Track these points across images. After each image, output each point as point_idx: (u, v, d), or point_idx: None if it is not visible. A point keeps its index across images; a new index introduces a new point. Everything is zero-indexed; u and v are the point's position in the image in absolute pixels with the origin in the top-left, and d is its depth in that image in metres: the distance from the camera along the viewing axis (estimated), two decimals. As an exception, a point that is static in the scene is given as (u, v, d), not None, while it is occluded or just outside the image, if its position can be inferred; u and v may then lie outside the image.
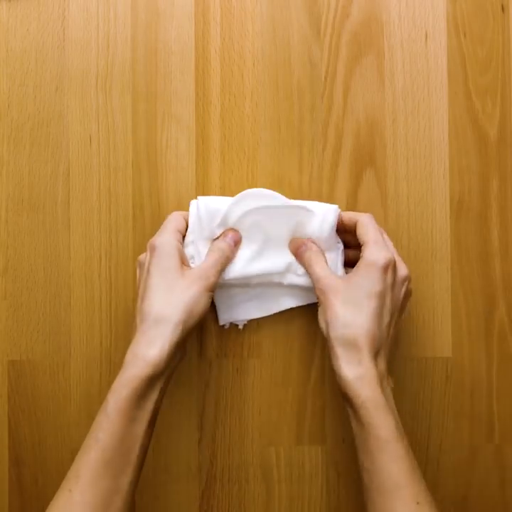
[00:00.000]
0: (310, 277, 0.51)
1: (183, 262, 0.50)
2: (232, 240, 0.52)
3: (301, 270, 0.52)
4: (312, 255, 0.51)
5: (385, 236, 0.51)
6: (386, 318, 0.48)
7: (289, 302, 0.55)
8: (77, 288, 0.55)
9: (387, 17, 0.56)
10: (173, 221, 0.52)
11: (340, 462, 0.56)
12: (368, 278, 0.48)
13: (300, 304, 0.55)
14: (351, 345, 0.46)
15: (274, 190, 0.56)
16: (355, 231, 0.51)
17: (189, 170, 0.56)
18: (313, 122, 0.56)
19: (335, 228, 0.52)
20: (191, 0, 0.56)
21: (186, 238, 0.52)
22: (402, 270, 0.50)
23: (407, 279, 0.50)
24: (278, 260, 0.52)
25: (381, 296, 0.47)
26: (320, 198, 0.56)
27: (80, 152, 0.55)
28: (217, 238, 0.52)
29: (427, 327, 0.56)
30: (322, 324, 0.49)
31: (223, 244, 0.51)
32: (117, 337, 0.55)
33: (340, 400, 0.55)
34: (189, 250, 0.52)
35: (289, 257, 0.53)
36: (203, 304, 0.48)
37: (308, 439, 0.56)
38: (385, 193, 0.56)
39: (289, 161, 0.56)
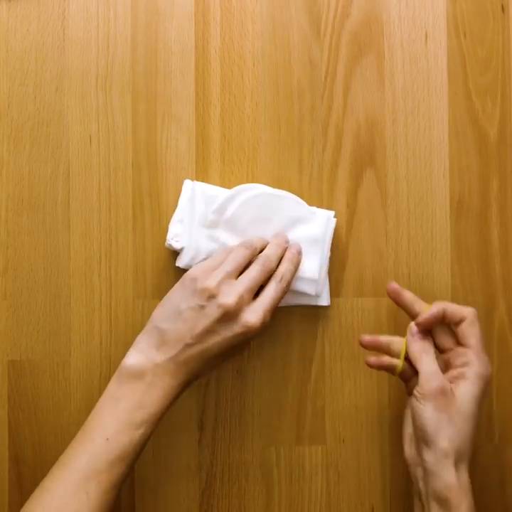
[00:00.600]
0: (419, 371, 0.47)
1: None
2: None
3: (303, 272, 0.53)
4: (424, 347, 0.48)
5: None
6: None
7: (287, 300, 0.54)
8: (77, 288, 0.55)
9: (387, 17, 0.56)
10: (242, 274, 0.49)
11: (340, 462, 0.56)
12: (478, 389, 0.46)
13: (298, 303, 0.54)
14: (459, 452, 0.45)
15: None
16: (450, 322, 0.49)
17: (189, 170, 0.56)
18: (313, 122, 0.56)
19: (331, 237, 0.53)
20: (191, 0, 0.55)
21: (174, 216, 0.53)
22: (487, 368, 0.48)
23: (489, 375, 0.49)
24: None
25: (482, 401, 0.47)
26: (320, 198, 0.56)
27: (80, 152, 0.55)
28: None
29: (427, 327, 0.56)
30: (430, 427, 0.46)
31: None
32: (117, 337, 0.55)
33: (341, 399, 0.55)
34: (175, 228, 0.53)
35: None
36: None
37: (308, 439, 0.56)
38: (385, 193, 0.56)
39: (289, 161, 0.56)
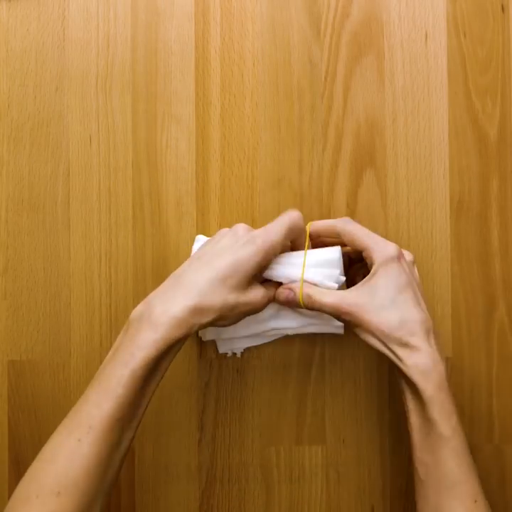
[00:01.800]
0: (324, 312, 0.48)
1: (256, 275, 0.48)
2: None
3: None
4: (307, 292, 0.48)
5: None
6: (422, 301, 0.47)
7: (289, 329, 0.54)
8: (77, 288, 0.55)
9: (387, 17, 0.56)
10: (291, 231, 0.49)
11: (340, 462, 0.56)
12: (389, 276, 0.47)
13: (299, 331, 0.54)
14: (411, 338, 0.46)
15: (274, 190, 0.56)
16: (333, 241, 0.50)
17: (189, 170, 0.56)
18: (313, 122, 0.56)
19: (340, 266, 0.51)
20: (191, 0, 0.56)
21: None
22: (408, 255, 0.50)
23: (414, 261, 0.50)
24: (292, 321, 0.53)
25: (410, 285, 0.47)
26: (320, 198, 0.56)
27: (80, 152, 0.55)
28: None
29: (427, 327, 0.56)
30: (372, 341, 0.47)
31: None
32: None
33: (341, 399, 0.55)
34: None
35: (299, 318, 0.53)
36: (237, 319, 0.48)
37: (308, 439, 0.56)
38: (385, 193, 0.56)
39: (289, 161, 0.56)
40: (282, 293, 0.49)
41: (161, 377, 0.46)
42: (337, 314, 0.47)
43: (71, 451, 0.43)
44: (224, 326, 0.48)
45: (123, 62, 0.55)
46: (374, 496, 0.56)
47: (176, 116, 0.56)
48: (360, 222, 0.56)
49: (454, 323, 0.56)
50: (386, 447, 0.56)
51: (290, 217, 0.49)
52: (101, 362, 0.53)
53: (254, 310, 0.48)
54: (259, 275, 0.49)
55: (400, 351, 0.46)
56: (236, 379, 0.56)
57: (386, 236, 0.56)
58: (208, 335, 0.54)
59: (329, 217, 0.56)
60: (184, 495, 0.56)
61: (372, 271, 0.48)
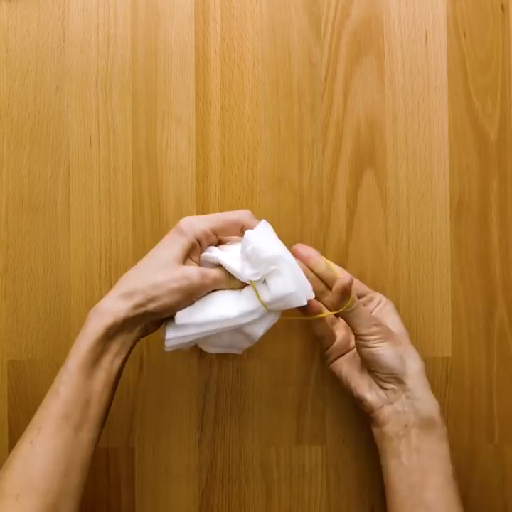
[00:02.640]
0: (361, 318, 0.48)
1: (190, 255, 0.48)
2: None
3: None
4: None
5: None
6: None
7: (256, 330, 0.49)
8: (77, 288, 0.55)
9: (387, 17, 0.56)
10: (220, 221, 0.49)
11: (340, 462, 0.56)
12: (394, 315, 0.52)
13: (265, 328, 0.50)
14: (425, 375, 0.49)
15: (274, 190, 0.56)
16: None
17: (189, 170, 0.56)
18: (313, 122, 0.56)
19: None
20: (191, 0, 0.56)
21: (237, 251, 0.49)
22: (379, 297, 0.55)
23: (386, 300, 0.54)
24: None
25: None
26: (320, 198, 0.56)
27: (80, 152, 0.55)
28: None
29: (427, 327, 0.56)
30: (395, 361, 0.49)
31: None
32: (117, 337, 0.55)
33: (341, 400, 0.55)
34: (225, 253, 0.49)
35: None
36: (173, 299, 0.46)
37: (308, 439, 0.56)
38: (385, 193, 0.56)
39: (289, 161, 0.56)
40: (314, 305, 0.49)
41: (110, 375, 0.46)
42: (373, 322, 0.49)
43: (25, 454, 0.44)
44: (158, 309, 0.46)
45: (123, 62, 0.55)
46: (374, 496, 0.56)
47: (176, 116, 0.56)
48: (360, 222, 0.56)
49: (454, 323, 0.56)
50: (386, 447, 0.56)
51: (229, 214, 0.50)
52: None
53: (187, 285, 0.46)
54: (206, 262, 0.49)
55: (423, 379, 0.49)
56: (236, 379, 0.56)
57: (386, 236, 0.56)
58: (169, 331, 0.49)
59: (329, 218, 0.55)
60: (184, 495, 0.56)
61: (383, 311, 0.52)
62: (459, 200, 0.56)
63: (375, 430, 0.50)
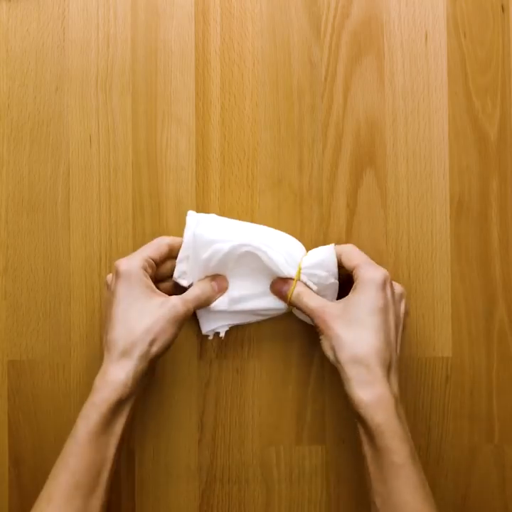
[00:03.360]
0: (303, 311, 0.50)
1: (152, 288, 0.49)
2: (218, 286, 0.52)
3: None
4: (299, 290, 0.50)
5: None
6: (392, 334, 0.48)
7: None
8: (77, 288, 0.55)
9: (387, 17, 0.56)
10: (148, 248, 0.51)
11: (340, 462, 0.56)
12: (367, 295, 0.48)
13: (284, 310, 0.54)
14: (362, 365, 0.46)
15: (274, 190, 0.56)
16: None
17: (189, 170, 0.56)
18: (313, 122, 0.56)
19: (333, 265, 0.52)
20: (191, 0, 0.56)
21: (180, 253, 0.52)
22: (398, 287, 0.50)
23: (404, 296, 0.50)
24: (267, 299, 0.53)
25: (384, 312, 0.47)
26: (320, 198, 0.56)
27: (80, 152, 0.55)
28: (205, 278, 0.52)
29: (427, 327, 0.56)
30: (328, 352, 0.48)
31: (208, 287, 0.51)
32: (117, 337, 0.55)
33: (341, 400, 0.55)
34: (181, 266, 0.52)
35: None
36: (169, 334, 0.48)
37: (308, 439, 0.56)
38: (385, 193, 0.56)
39: (289, 161, 0.56)
40: (278, 283, 0.51)
41: (121, 438, 0.46)
42: (311, 316, 0.49)
43: None
44: (164, 346, 0.48)
45: (123, 62, 0.55)
46: (374, 496, 0.56)
47: (176, 116, 0.56)
48: (360, 222, 0.56)
49: (454, 323, 0.56)
50: (386, 447, 0.56)
51: (149, 245, 0.52)
52: (101, 362, 0.53)
53: (176, 314, 0.48)
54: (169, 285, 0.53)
55: (349, 368, 0.46)
56: (236, 379, 0.56)
57: (386, 236, 0.56)
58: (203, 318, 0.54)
59: (329, 218, 0.56)
60: (184, 495, 0.56)
61: (353, 287, 0.49)
62: (459, 200, 0.56)
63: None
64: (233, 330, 0.55)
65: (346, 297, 0.49)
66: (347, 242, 0.56)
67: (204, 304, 0.51)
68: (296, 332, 0.56)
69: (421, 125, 0.56)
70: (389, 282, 0.48)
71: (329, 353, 0.48)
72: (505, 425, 0.56)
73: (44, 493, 0.45)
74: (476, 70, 0.56)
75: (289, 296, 0.51)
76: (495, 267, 0.56)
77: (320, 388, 0.56)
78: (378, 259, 0.56)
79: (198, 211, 0.55)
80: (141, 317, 0.47)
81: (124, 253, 0.55)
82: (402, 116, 0.56)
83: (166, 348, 0.48)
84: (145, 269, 0.49)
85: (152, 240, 0.55)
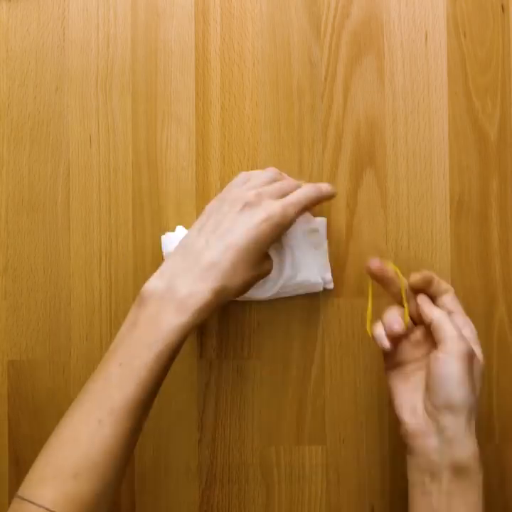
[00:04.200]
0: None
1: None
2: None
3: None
4: (442, 311, 0.48)
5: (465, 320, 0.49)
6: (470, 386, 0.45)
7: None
8: (77, 288, 0.55)
9: (387, 17, 0.56)
10: (308, 199, 0.49)
11: (340, 462, 0.56)
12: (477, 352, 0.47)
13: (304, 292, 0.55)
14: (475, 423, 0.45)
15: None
16: (435, 291, 0.49)
17: (189, 170, 0.56)
18: (313, 122, 0.56)
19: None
20: (191, 0, 0.56)
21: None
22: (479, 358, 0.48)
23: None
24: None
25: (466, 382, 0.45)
26: (320, 198, 0.56)
27: (80, 152, 0.55)
28: None
29: (427, 327, 0.56)
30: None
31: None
32: (117, 337, 0.55)
33: (341, 400, 0.55)
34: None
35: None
36: (242, 289, 0.46)
37: (308, 439, 0.56)
38: (385, 193, 0.56)
39: (289, 161, 0.56)
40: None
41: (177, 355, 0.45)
42: (460, 347, 0.45)
43: (92, 432, 0.42)
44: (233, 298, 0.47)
45: (123, 62, 0.55)
46: (374, 496, 0.56)
47: (176, 116, 0.56)
48: (360, 222, 0.56)
49: (454, 323, 0.56)
50: (386, 447, 0.56)
51: (315, 192, 0.49)
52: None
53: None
54: None
55: (466, 421, 0.44)
56: (236, 379, 0.56)
57: (386, 236, 0.56)
58: None
59: (329, 218, 0.55)
60: (184, 495, 0.56)
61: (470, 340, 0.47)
62: (459, 200, 0.56)
63: (408, 457, 0.46)
64: (233, 330, 0.55)
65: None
66: (347, 242, 0.55)
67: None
68: (297, 332, 0.56)
69: (421, 125, 0.56)
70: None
71: (463, 389, 0.45)
72: (505, 425, 0.56)
73: (104, 400, 0.42)
74: (476, 70, 0.56)
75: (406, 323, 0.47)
76: (495, 267, 0.56)
77: (320, 388, 0.56)
78: (378, 259, 0.56)
79: (198, 211, 0.55)
80: (251, 271, 0.47)
81: (124, 253, 0.55)
82: (402, 116, 0.56)
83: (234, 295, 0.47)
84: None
85: (152, 240, 0.55)
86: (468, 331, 0.48)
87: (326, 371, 0.56)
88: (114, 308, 0.55)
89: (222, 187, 0.55)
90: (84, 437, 0.42)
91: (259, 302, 0.55)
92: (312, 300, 0.55)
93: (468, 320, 0.49)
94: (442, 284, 0.49)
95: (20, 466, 0.55)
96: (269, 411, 0.56)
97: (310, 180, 0.56)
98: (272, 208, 0.46)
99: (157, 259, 0.55)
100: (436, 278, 0.49)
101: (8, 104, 0.55)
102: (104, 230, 0.55)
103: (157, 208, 0.55)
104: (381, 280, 0.49)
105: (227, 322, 0.56)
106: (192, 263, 0.45)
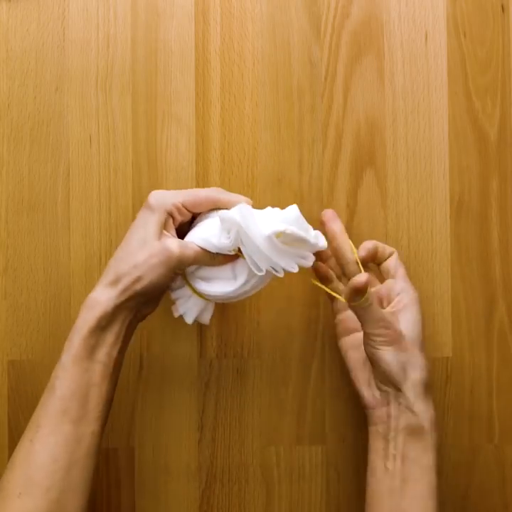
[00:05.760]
0: (372, 317, 0.47)
1: (166, 230, 0.48)
2: (224, 261, 0.49)
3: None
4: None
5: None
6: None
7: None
8: (77, 288, 0.55)
9: (387, 17, 0.56)
10: (187, 195, 0.49)
11: (340, 462, 0.56)
12: (415, 315, 0.50)
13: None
14: (427, 389, 0.48)
15: (274, 190, 0.56)
16: (380, 259, 0.52)
17: (189, 170, 0.56)
18: (313, 122, 0.56)
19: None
20: (191, 0, 0.56)
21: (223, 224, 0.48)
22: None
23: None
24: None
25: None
26: (320, 198, 0.56)
27: (80, 152, 0.55)
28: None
29: (427, 327, 0.56)
30: (395, 368, 0.47)
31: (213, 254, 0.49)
32: (117, 337, 0.55)
33: (341, 399, 0.55)
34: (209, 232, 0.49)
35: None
36: (157, 274, 0.46)
37: (308, 439, 0.56)
38: (385, 193, 0.56)
39: (289, 161, 0.56)
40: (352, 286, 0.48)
41: (108, 367, 0.46)
42: (385, 326, 0.47)
43: (25, 452, 0.44)
44: (148, 287, 0.46)
45: (123, 62, 0.55)
46: (374, 495, 0.56)
47: (176, 116, 0.56)
48: (360, 222, 0.56)
49: (454, 323, 0.56)
50: (386, 447, 0.56)
51: (201, 190, 0.51)
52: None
53: (168, 257, 0.46)
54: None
55: (415, 389, 0.47)
56: (236, 379, 0.56)
57: (386, 236, 0.56)
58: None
59: (329, 217, 0.55)
60: (184, 495, 0.56)
61: (407, 304, 0.50)
62: (459, 200, 0.56)
63: (369, 427, 0.50)
64: (233, 330, 0.55)
65: (392, 313, 0.49)
66: (347, 242, 0.55)
67: (201, 261, 0.48)
68: (297, 332, 0.56)
69: (421, 125, 0.56)
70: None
71: (395, 369, 0.47)
72: (505, 425, 0.56)
73: (33, 420, 0.45)
74: (476, 70, 0.56)
75: (368, 298, 0.46)
76: (495, 267, 0.56)
77: (320, 388, 0.56)
78: (378, 259, 0.56)
79: (198, 211, 0.55)
80: (138, 251, 0.47)
81: (124, 253, 0.55)
82: (402, 116, 0.56)
83: (154, 289, 0.47)
84: (171, 214, 0.48)
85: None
86: (406, 297, 0.50)
87: (326, 371, 0.56)
88: (114, 308, 0.55)
89: (222, 187, 0.55)
90: (20, 458, 0.44)
91: (259, 302, 0.55)
92: (312, 299, 0.55)
93: (407, 285, 0.51)
94: (386, 249, 0.52)
95: (20, 466, 0.55)
96: (269, 411, 0.56)
97: (310, 180, 0.56)
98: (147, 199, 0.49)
99: (157, 259, 0.55)
100: (380, 245, 0.52)
101: (8, 104, 0.55)
102: (104, 230, 0.55)
103: (157, 208, 0.55)
104: (332, 238, 0.52)
105: (227, 322, 0.56)
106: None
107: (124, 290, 0.46)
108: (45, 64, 0.55)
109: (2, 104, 0.55)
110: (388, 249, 0.52)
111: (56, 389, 0.45)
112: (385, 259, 0.52)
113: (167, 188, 0.55)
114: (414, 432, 0.47)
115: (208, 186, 0.55)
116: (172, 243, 0.47)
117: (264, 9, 0.56)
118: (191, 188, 0.55)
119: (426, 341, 0.56)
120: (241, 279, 0.48)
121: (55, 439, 0.43)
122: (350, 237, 0.56)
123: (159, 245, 0.47)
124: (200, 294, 0.50)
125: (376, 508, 0.47)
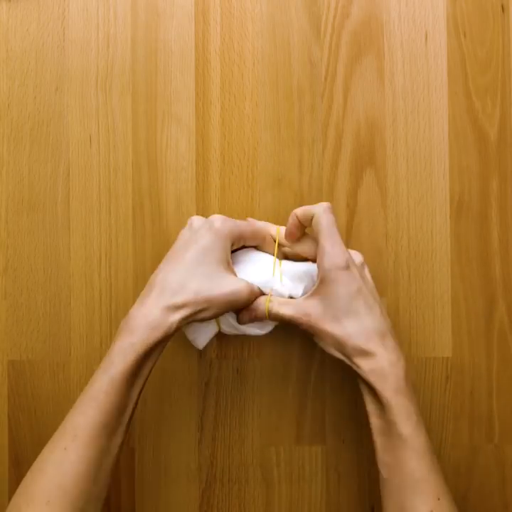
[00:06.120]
0: (283, 322, 0.49)
1: (229, 262, 0.49)
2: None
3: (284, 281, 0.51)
4: (271, 305, 0.49)
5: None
6: (376, 306, 0.47)
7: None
8: (77, 288, 0.55)
9: (387, 17, 0.56)
10: (247, 228, 0.50)
11: (340, 462, 0.56)
12: (339, 284, 0.47)
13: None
14: (367, 348, 0.46)
15: (274, 190, 0.56)
16: (306, 223, 0.50)
17: (189, 170, 0.56)
18: (313, 122, 0.56)
19: None
20: (191, 0, 0.56)
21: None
22: (357, 257, 0.50)
23: (363, 261, 0.50)
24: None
25: (360, 292, 0.47)
26: (320, 198, 0.56)
27: (80, 152, 0.55)
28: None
29: (427, 327, 0.56)
30: (332, 351, 0.48)
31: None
32: (117, 337, 0.55)
33: (341, 399, 0.55)
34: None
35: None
36: (220, 311, 0.47)
37: (308, 439, 0.56)
38: (385, 193, 0.56)
39: (289, 161, 0.56)
40: (246, 313, 0.50)
41: (145, 381, 0.46)
42: (295, 324, 0.48)
43: (58, 459, 0.43)
44: (206, 318, 0.47)
45: (123, 62, 0.55)
46: (374, 495, 0.56)
47: (176, 116, 0.56)
48: (360, 222, 0.56)
49: (454, 323, 0.56)
50: (386, 447, 0.56)
51: (259, 225, 0.52)
52: (101, 362, 0.53)
53: (237, 300, 0.48)
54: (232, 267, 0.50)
55: (357, 359, 0.46)
56: (236, 379, 0.56)
57: (386, 236, 0.56)
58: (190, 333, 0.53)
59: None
60: (184, 495, 0.56)
61: (320, 277, 0.48)
62: (459, 200, 0.56)
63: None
64: (233, 330, 0.55)
65: (316, 291, 0.48)
66: (347, 241, 0.56)
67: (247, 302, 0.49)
68: (296, 332, 0.56)
69: (421, 125, 0.56)
70: (350, 262, 0.47)
71: (331, 351, 0.48)
72: (505, 425, 0.56)
73: (68, 428, 0.44)
74: (476, 70, 0.56)
75: (267, 314, 0.49)
76: (495, 267, 0.56)
77: (320, 388, 0.56)
78: (378, 259, 0.56)
79: (198, 211, 0.55)
80: (208, 282, 0.46)
81: (124, 253, 0.55)
82: (402, 116, 0.56)
83: (211, 319, 0.48)
84: (232, 242, 0.49)
85: (152, 240, 0.55)
86: (327, 261, 0.47)
87: (326, 371, 0.56)
88: (114, 308, 0.55)
89: (222, 187, 0.55)
90: (52, 465, 0.44)
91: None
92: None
93: (336, 240, 0.47)
94: (309, 212, 0.49)
95: (20, 466, 0.55)
96: (269, 411, 0.56)
97: (310, 180, 0.56)
98: (209, 219, 0.49)
99: (157, 259, 0.55)
100: (299, 211, 0.50)
101: (8, 104, 0.55)
102: (104, 230, 0.55)
103: (157, 208, 0.55)
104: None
105: (227, 322, 0.56)
106: (147, 288, 0.48)
107: (188, 316, 0.46)
108: (45, 64, 0.55)
109: (2, 104, 0.55)
110: (312, 208, 0.49)
111: (101, 403, 0.44)
112: (311, 219, 0.49)
113: (167, 188, 0.55)
114: (379, 376, 0.46)
115: (208, 186, 0.55)
116: (243, 288, 0.48)
117: (264, 9, 0.56)
118: (191, 187, 0.55)
119: (426, 341, 0.56)
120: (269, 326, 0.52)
121: (91, 452, 0.43)
122: (350, 236, 0.56)
123: (232, 285, 0.47)
124: (219, 325, 0.52)
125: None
